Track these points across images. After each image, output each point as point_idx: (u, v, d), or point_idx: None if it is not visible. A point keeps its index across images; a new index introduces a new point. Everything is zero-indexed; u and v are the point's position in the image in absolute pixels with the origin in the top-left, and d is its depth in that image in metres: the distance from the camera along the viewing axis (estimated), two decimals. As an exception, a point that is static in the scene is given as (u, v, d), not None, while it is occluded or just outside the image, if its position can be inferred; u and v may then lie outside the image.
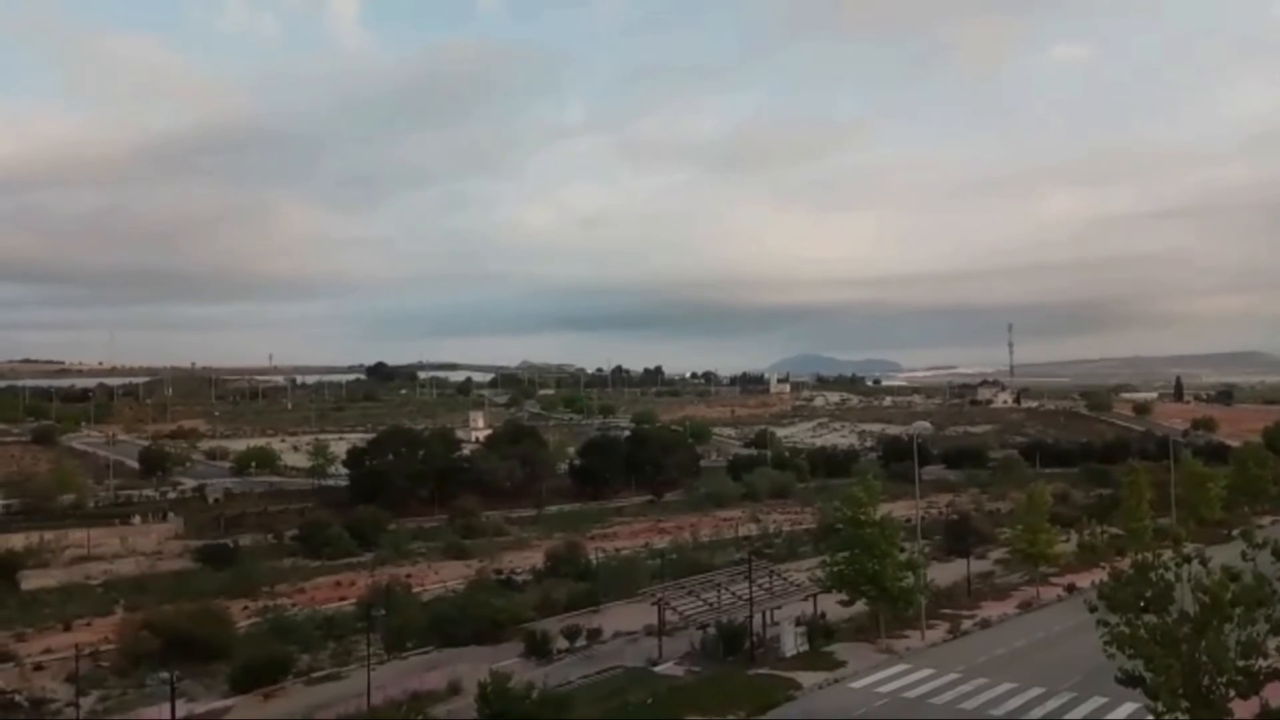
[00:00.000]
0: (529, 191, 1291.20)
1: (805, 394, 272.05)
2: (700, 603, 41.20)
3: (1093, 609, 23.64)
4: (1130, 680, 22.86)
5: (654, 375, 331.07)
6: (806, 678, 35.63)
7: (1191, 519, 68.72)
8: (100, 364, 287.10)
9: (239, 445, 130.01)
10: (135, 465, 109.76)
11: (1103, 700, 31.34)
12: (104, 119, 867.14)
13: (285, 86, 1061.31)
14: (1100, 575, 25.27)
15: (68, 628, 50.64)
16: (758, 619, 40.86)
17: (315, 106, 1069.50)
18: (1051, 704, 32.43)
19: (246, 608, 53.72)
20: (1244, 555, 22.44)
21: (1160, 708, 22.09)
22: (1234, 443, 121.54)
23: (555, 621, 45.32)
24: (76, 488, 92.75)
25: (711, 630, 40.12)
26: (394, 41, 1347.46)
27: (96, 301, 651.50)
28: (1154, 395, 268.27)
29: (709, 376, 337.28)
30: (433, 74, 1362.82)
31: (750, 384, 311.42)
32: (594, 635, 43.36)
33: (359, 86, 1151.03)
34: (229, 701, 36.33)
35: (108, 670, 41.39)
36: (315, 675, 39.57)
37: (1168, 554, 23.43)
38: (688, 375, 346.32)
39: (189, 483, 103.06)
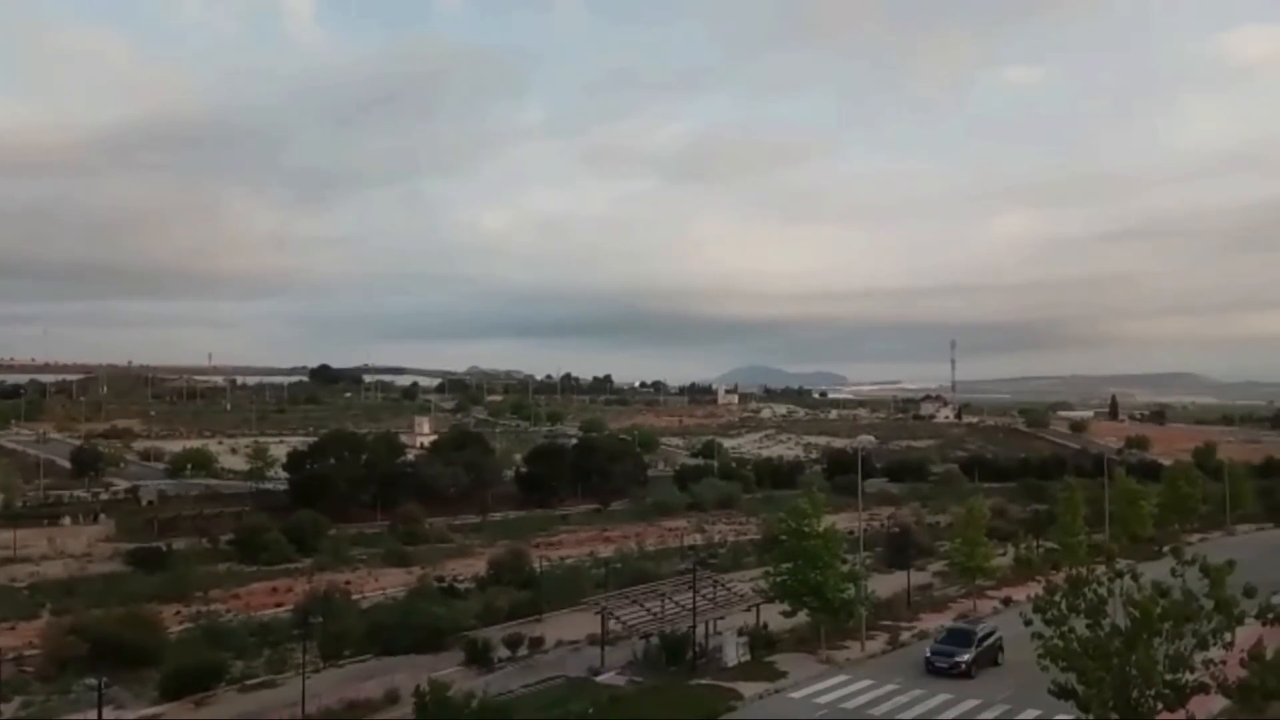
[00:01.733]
0: (486, 194, 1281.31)
1: (753, 405, 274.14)
2: (644, 612, 41.14)
3: (1027, 622, 24.08)
4: (1063, 693, 23.31)
5: (603, 383, 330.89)
6: (748, 688, 35.75)
7: (1124, 535, 70.38)
8: (33, 360, 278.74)
9: (175, 446, 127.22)
10: (66, 465, 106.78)
11: (1036, 712, 31.88)
12: (51, 110, 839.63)
13: (241, 83, 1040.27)
14: (1035, 589, 25.74)
15: (-10, 632, 49.07)
16: (701, 629, 40.94)
17: (271, 103, 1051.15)
18: (987, 715, 32.95)
19: (179, 613, 52.52)
20: (1173, 572, 23.00)
21: (1091, 719, 22.58)
22: (1166, 461, 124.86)
23: (497, 630, 44.97)
24: (4, 487, 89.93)
25: (654, 640, 40.08)
26: (352, 40, 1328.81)
27: (33, 295, 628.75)
28: (1090, 414, 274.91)
29: (658, 386, 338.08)
30: (391, 73, 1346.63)
31: (699, 394, 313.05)
32: (536, 644, 43.08)
33: (316, 84, 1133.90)
34: (159, 709, 35.45)
35: (32, 675, 40.14)
36: (249, 683, 38.76)
37: (1100, 569, 23.96)
38: (637, 384, 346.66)
39: (122, 484, 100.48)
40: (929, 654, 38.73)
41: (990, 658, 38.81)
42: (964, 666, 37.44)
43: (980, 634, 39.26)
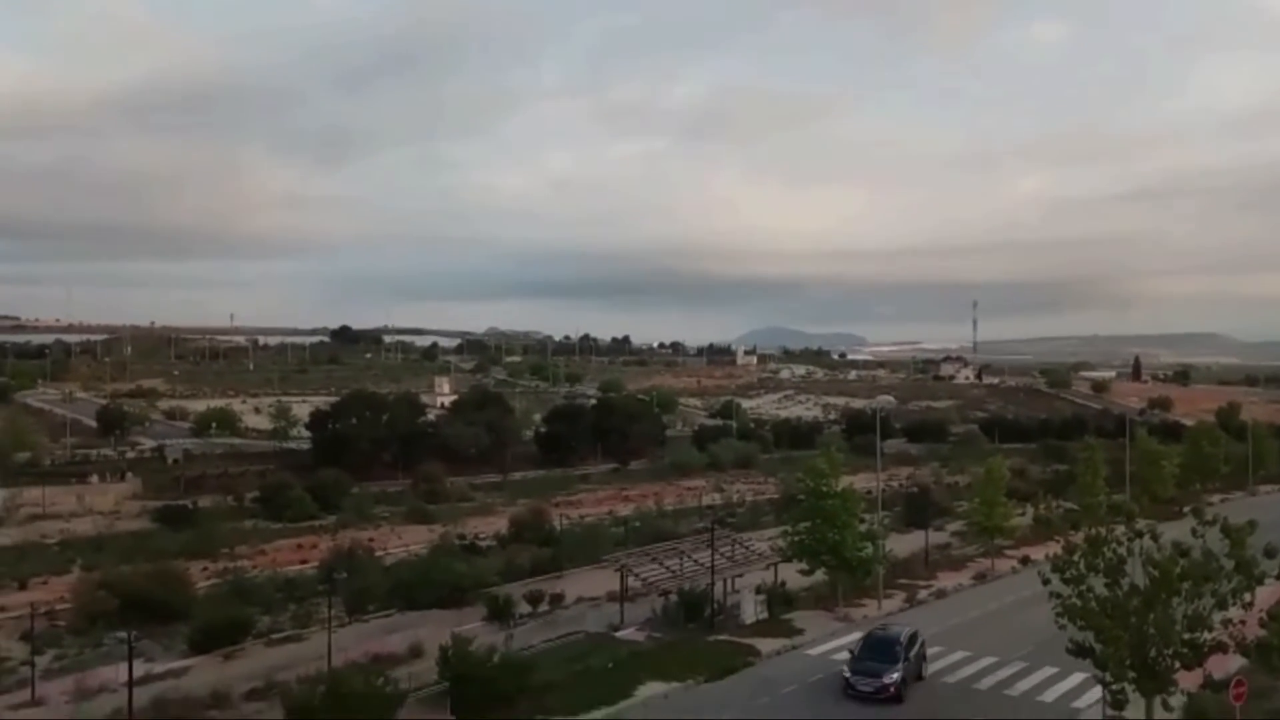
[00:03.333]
0: (503, 154, 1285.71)
1: (772, 366, 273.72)
2: (663, 570, 41.52)
3: (1046, 581, 24.13)
4: (1080, 651, 23.44)
5: (622, 344, 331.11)
6: (765, 644, 36.10)
7: (1145, 496, 69.75)
8: (58, 320, 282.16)
9: (199, 406, 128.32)
10: (93, 424, 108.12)
11: (1053, 670, 32.03)
12: (69, 70, 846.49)
13: (260, 42, 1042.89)
14: (1054, 549, 25.76)
15: (23, 586, 50.10)
16: (719, 586, 41.25)
17: (289, 63, 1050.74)
18: (1003, 673, 33.13)
19: (206, 569, 53.38)
20: (1194, 532, 22.97)
21: (1108, 677, 22.72)
22: (1188, 422, 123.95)
23: (518, 587, 45.47)
24: (32, 445, 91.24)
25: (673, 597, 40.45)
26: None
27: (56, 256, 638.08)
28: (1112, 374, 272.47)
29: (676, 346, 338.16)
30: (410, 33, 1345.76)
31: (717, 355, 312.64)
32: (556, 601, 43.58)
33: (333, 43, 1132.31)
34: (188, 662, 36.15)
35: (64, 629, 41.03)
36: (275, 637, 39.44)
37: (1120, 529, 23.96)
38: (655, 345, 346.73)
39: (147, 443, 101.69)
40: (848, 674, 29.98)
41: (914, 671, 31.18)
42: (893, 689, 29.22)
43: (903, 640, 31.26)
